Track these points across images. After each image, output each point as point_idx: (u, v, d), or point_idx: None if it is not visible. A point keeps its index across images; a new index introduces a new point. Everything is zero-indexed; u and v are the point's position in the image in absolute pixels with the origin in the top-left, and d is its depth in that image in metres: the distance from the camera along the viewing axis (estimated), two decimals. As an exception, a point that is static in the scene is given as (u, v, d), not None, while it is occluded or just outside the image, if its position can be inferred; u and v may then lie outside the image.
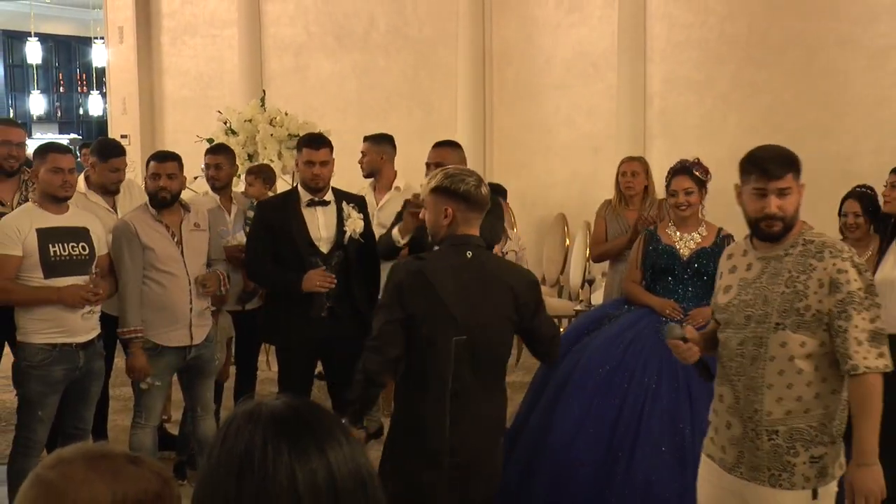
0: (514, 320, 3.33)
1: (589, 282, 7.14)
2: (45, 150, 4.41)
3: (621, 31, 8.55)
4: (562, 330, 7.10)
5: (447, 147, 5.04)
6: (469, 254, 3.25)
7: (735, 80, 8.20)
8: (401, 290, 3.18)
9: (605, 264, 6.04)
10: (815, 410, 2.87)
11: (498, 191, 5.97)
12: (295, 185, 4.96)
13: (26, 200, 4.75)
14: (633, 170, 5.74)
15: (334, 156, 7.11)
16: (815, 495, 2.87)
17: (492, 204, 3.97)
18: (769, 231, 2.91)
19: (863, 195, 4.88)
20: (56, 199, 4.29)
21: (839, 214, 4.93)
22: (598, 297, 6.50)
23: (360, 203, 4.89)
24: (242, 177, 6.40)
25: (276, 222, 4.69)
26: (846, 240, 4.91)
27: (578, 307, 6.96)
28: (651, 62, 8.55)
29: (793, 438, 2.89)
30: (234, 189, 5.77)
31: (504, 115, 9.46)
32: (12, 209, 4.63)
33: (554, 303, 7.51)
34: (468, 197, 3.23)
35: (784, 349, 2.86)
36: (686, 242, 4.62)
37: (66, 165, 4.29)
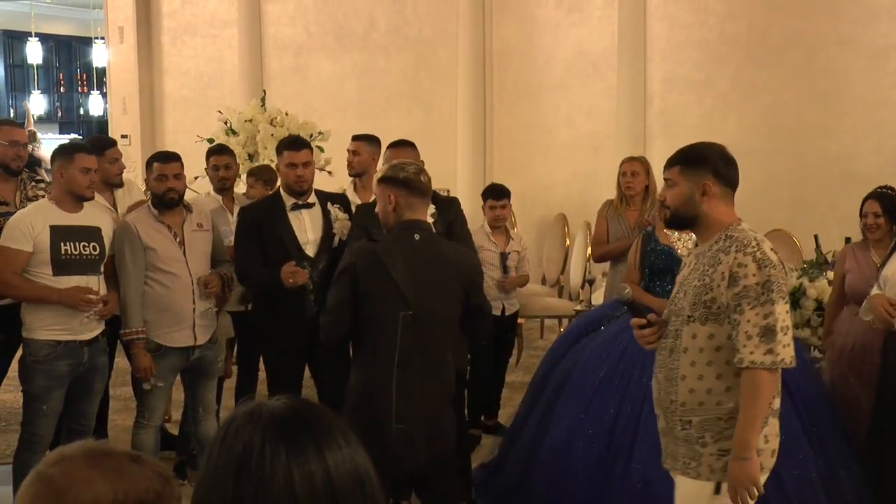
0: (461, 298, 3.62)
1: (589, 282, 7.14)
2: (72, 150, 4.43)
3: (621, 31, 8.57)
4: (561, 330, 7.12)
5: (407, 147, 5.07)
6: (417, 237, 3.54)
7: (735, 80, 8.21)
8: (354, 271, 3.48)
9: (606, 264, 6.05)
10: (727, 403, 2.89)
11: (502, 192, 5.95)
12: (277, 188, 4.87)
13: (28, 199, 4.79)
14: (633, 170, 5.73)
15: (334, 155, 7.11)
16: (717, 489, 2.88)
17: (455, 210, 4.57)
18: (663, 217, 3.18)
19: (883, 195, 4.85)
20: (81, 199, 4.34)
21: (860, 215, 4.92)
22: (598, 297, 6.51)
23: (344, 203, 4.85)
24: (243, 177, 6.39)
25: (264, 226, 4.61)
26: (867, 240, 4.89)
27: (578, 307, 6.97)
28: (651, 62, 8.56)
29: (703, 428, 2.92)
30: (234, 190, 5.78)
31: (504, 115, 9.47)
32: (16, 208, 4.66)
33: (554, 303, 7.51)
34: (408, 183, 3.54)
35: (695, 341, 2.92)
36: (684, 242, 4.62)
37: (93, 166, 4.36)
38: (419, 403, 3.50)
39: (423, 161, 4.85)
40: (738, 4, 8.19)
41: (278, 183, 6.28)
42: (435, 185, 3.93)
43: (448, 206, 4.71)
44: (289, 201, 4.65)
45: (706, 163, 2.96)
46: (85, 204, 4.40)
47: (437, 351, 3.59)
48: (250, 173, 5.99)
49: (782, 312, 2.78)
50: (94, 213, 4.49)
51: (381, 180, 3.62)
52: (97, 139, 5.53)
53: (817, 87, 7.89)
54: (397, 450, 3.47)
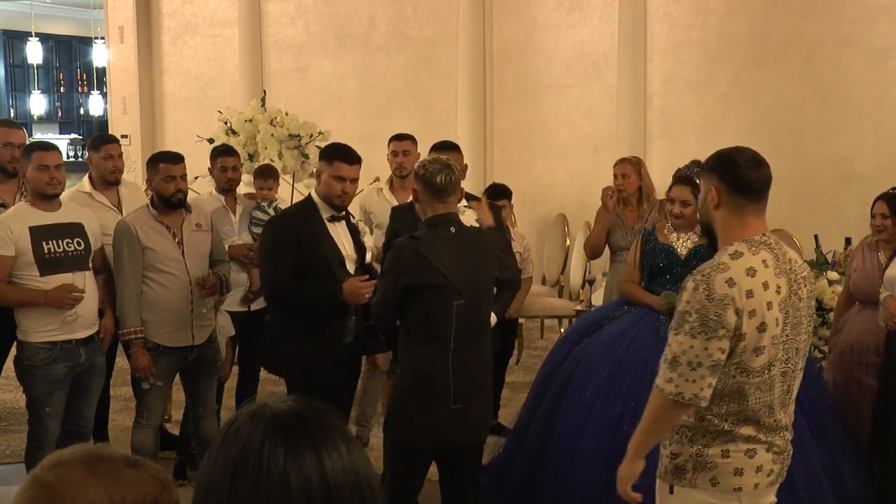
0: (497, 275, 3.95)
1: (589, 282, 7.15)
2: (31, 149, 4.41)
3: (621, 31, 8.57)
4: (561, 331, 7.12)
5: (452, 150, 4.98)
6: (452, 229, 3.73)
7: (735, 80, 8.21)
8: (404, 267, 3.66)
9: (606, 265, 6.04)
10: None
11: (503, 192, 5.95)
12: (308, 195, 4.41)
13: (27, 201, 4.79)
14: (623, 172, 5.70)
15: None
16: (671, 491, 2.91)
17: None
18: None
19: (892, 197, 4.85)
20: (45, 197, 4.31)
21: (871, 216, 4.92)
22: (598, 298, 6.51)
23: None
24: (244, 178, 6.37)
25: (304, 239, 4.19)
26: (878, 242, 4.88)
27: (579, 307, 6.97)
28: (651, 62, 8.56)
29: None
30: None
31: (504, 115, 9.46)
32: None
33: (554, 303, 7.51)
34: (424, 181, 3.73)
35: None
36: (683, 242, 4.63)
37: (51, 162, 4.29)
38: (471, 385, 3.76)
39: (466, 165, 4.83)
40: (738, 5, 8.19)
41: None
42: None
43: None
44: (326, 212, 4.27)
45: (715, 168, 2.84)
46: (63, 202, 4.40)
47: (482, 333, 3.86)
48: (261, 174, 5.89)
49: (697, 347, 2.66)
50: (74, 210, 4.50)
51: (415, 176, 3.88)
52: (96, 136, 5.49)
53: (817, 87, 7.89)
54: (453, 428, 3.72)
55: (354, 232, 4.39)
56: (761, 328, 2.69)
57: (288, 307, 4.30)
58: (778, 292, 2.73)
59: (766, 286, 2.70)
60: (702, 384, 2.68)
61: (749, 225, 2.78)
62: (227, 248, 5.06)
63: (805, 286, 2.85)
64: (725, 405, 2.77)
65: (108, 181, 5.11)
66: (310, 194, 4.38)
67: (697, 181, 4.57)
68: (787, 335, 2.77)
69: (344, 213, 4.36)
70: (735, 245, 2.75)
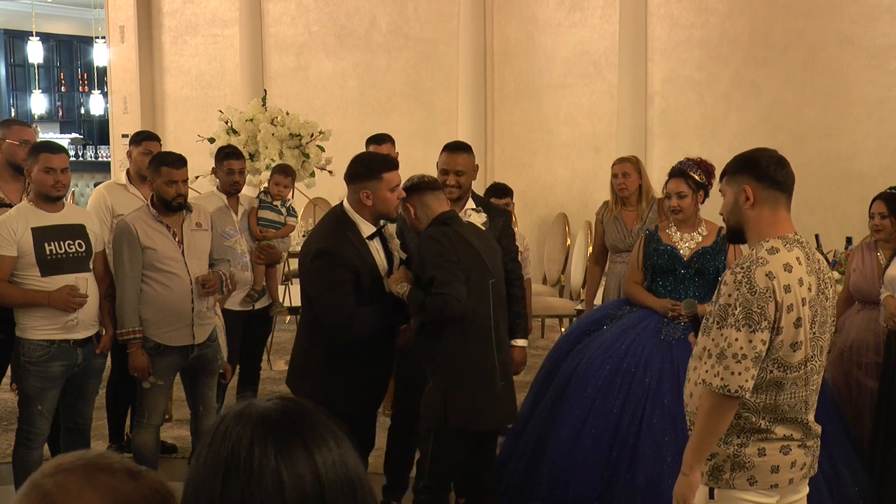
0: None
1: (590, 281, 7.12)
2: (38, 149, 4.38)
3: (622, 30, 8.57)
4: (562, 330, 7.12)
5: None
6: (466, 220, 3.98)
7: (736, 79, 8.22)
8: (455, 251, 3.75)
9: (606, 264, 6.02)
10: None
11: (504, 191, 5.93)
12: (339, 210, 3.97)
13: (31, 201, 4.79)
14: (624, 171, 5.64)
15: (335, 155, 7.02)
16: (711, 495, 2.88)
17: (506, 223, 4.59)
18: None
19: (890, 196, 4.85)
20: (49, 199, 4.29)
21: (869, 216, 4.92)
22: (598, 297, 6.50)
23: None
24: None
25: (360, 267, 3.82)
26: (876, 241, 4.89)
27: (579, 307, 6.97)
28: (652, 61, 8.56)
29: None
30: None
31: (505, 114, 9.47)
32: None
33: (555, 302, 7.52)
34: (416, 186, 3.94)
35: (697, 347, 2.90)
36: (687, 242, 4.62)
37: (58, 165, 4.27)
38: (506, 358, 3.96)
39: (477, 165, 4.63)
40: (739, 4, 8.19)
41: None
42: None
43: (500, 216, 4.54)
44: (367, 229, 3.88)
45: (743, 168, 2.88)
46: (66, 202, 4.40)
47: (505, 311, 4.06)
48: (281, 170, 5.85)
49: (742, 340, 2.70)
50: (76, 211, 4.50)
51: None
52: (139, 132, 5.63)
53: (818, 86, 7.89)
54: (503, 404, 3.93)
55: (384, 240, 4.04)
56: (797, 323, 2.75)
57: (356, 343, 3.85)
58: (809, 290, 2.79)
59: (801, 282, 2.77)
60: (746, 376, 2.73)
61: (782, 220, 2.86)
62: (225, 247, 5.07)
63: (831, 287, 2.92)
64: (762, 400, 2.81)
65: (145, 176, 5.12)
66: (342, 209, 3.92)
67: (691, 174, 4.60)
68: (814, 332, 2.82)
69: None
70: (771, 241, 2.81)
